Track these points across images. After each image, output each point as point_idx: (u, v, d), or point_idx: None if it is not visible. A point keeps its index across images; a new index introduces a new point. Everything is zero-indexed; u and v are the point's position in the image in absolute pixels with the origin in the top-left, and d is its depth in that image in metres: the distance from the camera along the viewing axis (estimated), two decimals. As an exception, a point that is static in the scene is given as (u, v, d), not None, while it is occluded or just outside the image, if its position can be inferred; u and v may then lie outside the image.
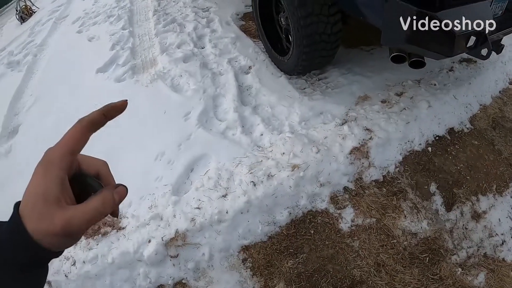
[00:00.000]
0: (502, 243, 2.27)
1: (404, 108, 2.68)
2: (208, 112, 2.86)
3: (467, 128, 2.81)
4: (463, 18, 1.83)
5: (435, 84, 3.05)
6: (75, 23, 5.70)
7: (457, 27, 1.76)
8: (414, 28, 1.81)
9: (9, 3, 10.89)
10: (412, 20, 1.79)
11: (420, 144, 2.55)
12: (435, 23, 1.75)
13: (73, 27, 5.57)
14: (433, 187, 2.36)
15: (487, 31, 1.94)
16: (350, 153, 2.38)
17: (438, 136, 2.65)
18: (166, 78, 3.33)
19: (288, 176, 2.25)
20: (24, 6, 8.09)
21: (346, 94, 2.87)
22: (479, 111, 3.00)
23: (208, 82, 3.16)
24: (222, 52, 3.56)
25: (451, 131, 2.72)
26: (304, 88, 2.99)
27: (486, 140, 2.76)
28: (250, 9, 4.33)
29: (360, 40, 3.42)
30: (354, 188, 2.31)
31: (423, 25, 1.79)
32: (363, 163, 2.36)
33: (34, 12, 8.13)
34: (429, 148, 2.55)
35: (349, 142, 2.43)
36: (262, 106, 2.85)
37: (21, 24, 7.68)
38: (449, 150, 2.60)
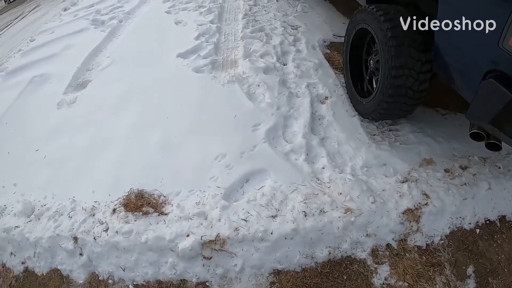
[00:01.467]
0: None
1: (465, 183, 2.64)
2: (277, 129, 2.90)
3: None
4: None
5: (500, 168, 2.95)
6: (165, 2, 5.79)
7: None
8: (503, 113, 1.81)
9: None
10: (504, 104, 1.80)
11: (470, 223, 2.51)
12: None
13: (163, 6, 5.66)
14: (470, 270, 2.32)
15: None
16: (403, 213, 2.38)
17: (489, 220, 2.58)
18: (244, 84, 3.39)
19: (339, 217, 2.26)
20: None
21: (413, 153, 2.85)
22: None
23: (284, 100, 3.20)
24: (303, 74, 3.60)
25: (502, 218, 2.64)
26: (374, 135, 2.99)
27: None
28: (337, 39, 4.37)
29: (437, 101, 3.40)
30: (396, 248, 2.30)
31: None
32: (412, 226, 2.35)
33: None
34: (477, 230, 2.51)
35: (405, 201, 2.43)
36: (330, 140, 2.86)
37: None
38: (495, 237, 2.54)
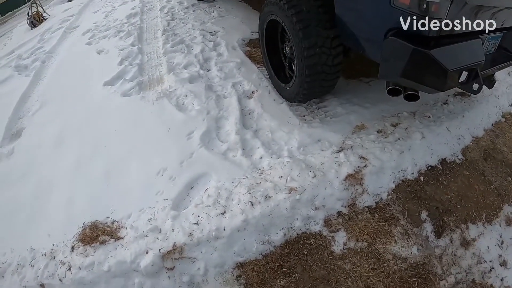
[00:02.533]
0: (491, 270, 2.34)
1: (399, 139, 2.77)
2: (210, 132, 2.95)
3: (459, 159, 2.87)
4: (456, 55, 1.98)
5: (429, 117, 3.14)
6: (85, 34, 5.78)
7: (449, 63, 1.89)
8: (409, 64, 1.94)
9: (21, 7, 10.99)
10: (407, 56, 1.92)
11: (412, 173, 2.62)
12: (429, 60, 1.88)
13: (83, 38, 5.65)
14: (424, 215, 2.43)
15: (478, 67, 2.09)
16: (345, 179, 2.46)
17: (430, 166, 2.72)
18: (172, 97, 3.41)
19: (285, 198, 2.32)
20: (35, 12, 8.24)
21: (344, 123, 2.96)
22: (471, 143, 3.08)
23: (212, 104, 3.25)
24: (227, 75, 3.67)
25: (443, 161, 2.79)
26: (304, 116, 3.08)
27: (477, 171, 2.84)
28: (255, 36, 4.45)
29: (359, 72, 3.55)
30: (347, 213, 2.38)
31: (417, 61, 1.92)
32: (357, 189, 2.44)
33: (45, 19, 8.25)
34: (421, 177, 2.62)
35: (344, 168, 2.51)
36: (263, 130, 2.94)
37: (31, 29, 7.79)
38: (440, 179, 2.67)
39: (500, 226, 2.54)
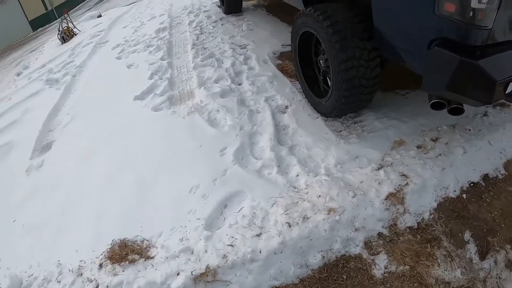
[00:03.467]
0: None
1: (440, 154, 2.65)
2: (244, 149, 2.86)
3: (502, 174, 2.71)
4: (503, 65, 1.85)
5: (470, 130, 2.97)
6: (115, 49, 5.84)
7: (497, 74, 1.77)
8: (456, 76, 1.84)
9: (52, 23, 11.38)
10: (454, 68, 1.83)
11: (455, 190, 2.49)
12: (476, 71, 1.77)
13: (112, 52, 5.71)
14: (467, 235, 2.29)
15: None
16: (385, 199, 2.34)
17: (472, 182, 2.57)
18: (203, 112, 3.36)
19: (323, 219, 2.21)
20: (66, 28, 8.47)
21: (382, 139, 2.85)
22: None
23: (245, 119, 3.18)
24: (259, 90, 3.60)
25: (485, 177, 2.64)
26: (340, 131, 2.98)
27: None
28: (286, 49, 4.42)
29: (395, 84, 3.43)
30: (388, 234, 2.25)
31: (465, 73, 1.81)
32: (398, 209, 2.32)
33: (75, 35, 8.47)
34: (464, 195, 2.48)
35: (385, 187, 2.40)
36: (299, 146, 2.84)
37: (62, 44, 8.00)
38: (483, 197, 2.52)
39: None
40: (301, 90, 3.35)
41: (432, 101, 2.14)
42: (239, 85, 3.76)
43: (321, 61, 2.95)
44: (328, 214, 2.23)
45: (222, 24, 5.81)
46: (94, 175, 3.09)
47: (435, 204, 2.40)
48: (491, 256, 2.22)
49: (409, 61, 2.26)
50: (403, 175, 2.49)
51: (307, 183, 2.47)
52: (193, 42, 5.13)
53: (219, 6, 7.03)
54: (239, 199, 2.48)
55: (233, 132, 3.02)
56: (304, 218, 2.23)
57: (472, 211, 2.41)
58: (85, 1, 26.56)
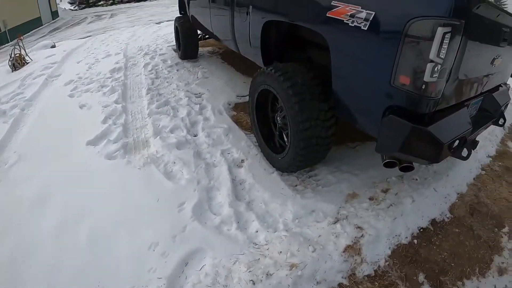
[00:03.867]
0: None
1: (391, 205, 2.85)
2: (202, 204, 2.80)
3: (447, 218, 2.97)
4: (448, 128, 2.08)
5: (416, 179, 3.24)
6: (67, 85, 5.61)
7: (444, 137, 1.98)
8: (408, 140, 2.00)
9: (3, 46, 10.76)
10: (406, 133, 1.99)
11: (406, 237, 2.66)
12: (426, 136, 1.95)
13: (65, 89, 5.47)
14: (421, 277, 2.42)
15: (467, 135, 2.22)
16: (344, 251, 2.43)
17: (422, 228, 2.79)
18: (160, 164, 3.28)
19: (286, 275, 2.22)
20: (18, 55, 8.05)
21: (336, 192, 2.95)
22: (457, 200, 3.20)
23: (202, 173, 3.14)
24: (215, 142, 3.59)
25: (433, 222, 2.88)
26: (296, 186, 3.04)
27: (466, 227, 2.93)
28: (241, 100, 4.52)
29: (345, 137, 3.60)
30: (348, 284, 2.31)
31: (416, 137, 1.98)
32: (356, 259, 2.41)
33: (27, 63, 8.07)
34: (415, 240, 2.67)
35: (342, 240, 2.49)
36: (256, 202, 2.84)
37: (12, 71, 7.58)
38: (433, 240, 2.73)
39: (493, 277, 2.58)
40: (257, 144, 3.41)
41: (385, 161, 2.29)
42: (195, 136, 3.73)
43: (278, 117, 3.05)
44: (290, 269, 2.24)
45: (177, 70, 5.83)
46: (47, 223, 2.85)
47: (389, 252, 2.53)
48: None
49: (363, 124, 2.41)
50: (358, 227, 2.61)
51: (266, 239, 2.48)
52: (148, 86, 5.06)
53: (175, 50, 7.12)
54: (200, 256, 2.41)
55: (190, 187, 2.97)
56: (267, 274, 2.22)
57: (424, 254, 2.58)
58: (40, 27, 25.54)
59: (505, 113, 3.03)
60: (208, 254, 2.40)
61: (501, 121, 2.99)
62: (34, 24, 25.65)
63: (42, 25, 27.28)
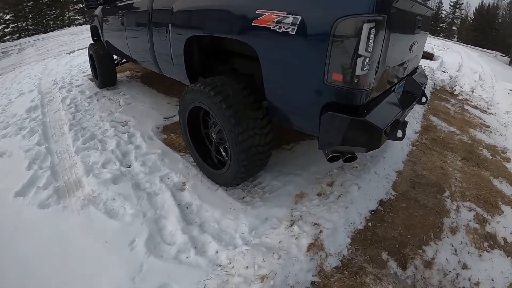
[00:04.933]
0: (457, 276, 2.52)
1: (339, 196, 2.99)
2: (154, 237, 2.61)
3: (393, 195, 3.21)
4: (382, 114, 2.20)
5: (357, 167, 3.45)
6: None
7: (380, 124, 2.07)
8: (349, 133, 2.07)
9: None
10: (346, 126, 2.05)
11: (361, 222, 2.82)
12: (365, 125, 2.03)
13: None
14: (384, 255, 2.56)
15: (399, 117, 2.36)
16: (308, 250, 2.47)
17: (373, 210, 2.98)
18: (99, 203, 3.02)
19: (260, 288, 2.19)
20: None
21: (284, 196, 3.00)
22: (397, 178, 3.49)
23: (146, 204, 2.96)
24: (151, 170, 3.43)
25: (381, 202, 3.10)
26: (244, 197, 3.01)
27: (411, 200, 3.20)
28: (169, 121, 4.41)
29: (280, 140, 3.67)
30: (320, 280, 2.33)
31: (356, 129, 2.05)
32: (320, 255, 2.46)
33: None
34: (369, 223, 2.84)
35: (303, 240, 2.52)
36: (208, 222, 2.74)
37: None
38: (385, 219, 2.92)
39: (448, 237, 2.83)
40: (195, 163, 3.33)
41: (329, 156, 2.34)
42: (129, 167, 3.54)
43: (212, 133, 3.00)
44: (262, 282, 2.20)
45: (97, 100, 5.55)
46: None
47: (349, 240, 2.65)
48: (410, 264, 2.53)
49: (302, 126, 2.43)
50: (315, 224, 2.68)
51: (229, 257, 2.40)
52: (70, 122, 4.73)
53: (91, 80, 6.78)
54: None
55: (137, 221, 2.76)
56: (240, 293, 2.17)
57: (381, 234, 2.76)
58: None
59: (425, 92, 3.26)
60: None
61: (423, 99, 3.20)
62: None
63: None
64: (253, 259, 2.34)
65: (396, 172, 3.59)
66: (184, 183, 3.19)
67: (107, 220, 2.82)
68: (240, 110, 2.52)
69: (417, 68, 3.42)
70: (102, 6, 5.48)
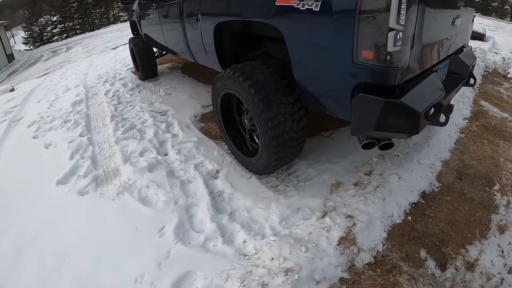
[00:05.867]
0: (502, 282, 2.28)
1: (377, 186, 2.77)
2: (183, 224, 2.65)
3: (437, 187, 2.92)
4: (420, 96, 2.00)
5: (398, 155, 3.19)
6: (30, 127, 5.36)
7: (419, 107, 1.89)
8: (383, 117, 1.91)
9: None
10: (380, 110, 1.89)
11: (399, 216, 2.59)
12: (401, 108, 1.86)
13: (28, 131, 5.21)
14: (423, 253, 2.35)
15: (442, 100, 2.14)
16: (338, 244, 2.33)
17: (413, 203, 2.72)
18: (133, 191, 3.11)
19: (283, 281, 2.09)
20: None
21: (319, 185, 2.87)
22: (442, 168, 3.17)
23: (178, 191, 2.99)
24: (187, 158, 3.46)
25: (423, 194, 2.82)
26: (277, 186, 2.94)
27: (457, 193, 2.90)
28: (207, 110, 4.40)
29: (318, 127, 3.54)
30: (350, 277, 2.20)
31: (391, 112, 1.89)
32: (352, 250, 2.31)
33: None
34: (409, 217, 2.60)
35: (334, 233, 2.39)
36: (239, 211, 2.73)
37: None
38: (427, 213, 2.66)
39: (495, 237, 2.55)
40: (229, 151, 3.30)
41: (363, 143, 2.20)
42: (165, 155, 3.59)
43: (245, 120, 2.94)
44: (286, 275, 2.12)
45: (139, 91, 5.70)
46: (26, 279, 2.61)
47: (385, 235, 2.44)
48: (451, 264, 2.31)
49: (333, 109, 2.31)
50: (348, 216, 2.52)
51: (256, 247, 2.36)
52: (112, 113, 4.89)
53: (134, 72, 6.99)
54: (190, 279, 2.25)
55: (168, 208, 2.81)
56: (263, 285, 2.10)
57: (421, 229, 2.52)
58: None
59: (473, 73, 3.00)
60: (198, 276, 2.25)
61: (471, 81, 2.96)
62: (-12, 70, 25.51)
63: (-1, 70, 27.16)
64: (279, 251, 2.27)
65: (442, 161, 3.28)
66: (218, 171, 3.19)
67: (140, 206, 2.90)
68: (269, 95, 2.45)
69: (464, 46, 3.14)
70: (137, 1, 5.64)
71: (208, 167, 3.28)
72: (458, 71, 2.86)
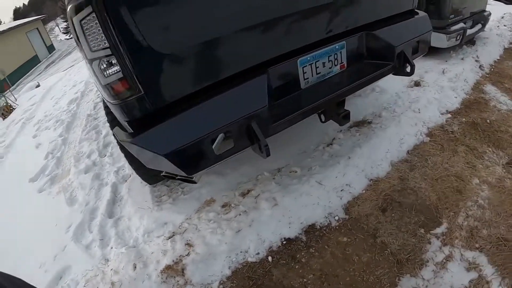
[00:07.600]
0: None
1: (239, 214, 2.55)
2: (83, 224, 3.03)
3: (337, 220, 2.36)
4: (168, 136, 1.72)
5: (296, 172, 2.78)
6: (35, 126, 5.73)
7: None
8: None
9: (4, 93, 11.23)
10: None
11: (257, 253, 2.28)
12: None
13: (32, 130, 5.61)
14: None
15: None
16: (162, 271, 2.31)
17: (289, 238, 2.31)
18: (68, 190, 3.52)
19: (104, 294, 2.29)
20: (5, 105, 8.87)
21: (193, 200, 2.88)
22: (365, 191, 2.50)
23: (93, 194, 3.31)
24: (115, 161, 3.70)
25: (310, 229, 2.33)
26: (163, 196, 3.05)
27: (364, 232, 2.23)
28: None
29: None
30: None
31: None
32: (178, 281, 2.23)
33: (14, 109, 8.73)
34: (270, 257, 2.23)
35: (165, 259, 2.42)
36: (123, 218, 2.97)
37: (3, 120, 8.12)
38: (298, 256, 2.18)
39: None
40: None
41: (161, 174, 2.16)
42: (103, 157, 3.86)
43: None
44: (111, 287, 2.36)
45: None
46: None
47: (228, 272, 2.23)
48: None
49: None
50: (188, 244, 2.45)
51: (114, 255, 2.60)
52: (89, 112, 5.09)
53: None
54: (68, 272, 2.67)
55: (79, 209, 3.18)
56: (98, 291, 2.30)
57: (277, 276, 2.09)
58: (38, 65, 26.79)
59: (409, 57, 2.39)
60: (72, 270, 2.66)
61: (407, 68, 2.38)
62: (31, 63, 26.96)
63: (40, 61, 28.54)
64: (118, 263, 2.47)
65: (370, 180, 2.57)
66: (130, 175, 3.41)
67: (65, 206, 3.36)
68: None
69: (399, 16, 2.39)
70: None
71: (126, 171, 3.50)
72: (377, 55, 2.27)
